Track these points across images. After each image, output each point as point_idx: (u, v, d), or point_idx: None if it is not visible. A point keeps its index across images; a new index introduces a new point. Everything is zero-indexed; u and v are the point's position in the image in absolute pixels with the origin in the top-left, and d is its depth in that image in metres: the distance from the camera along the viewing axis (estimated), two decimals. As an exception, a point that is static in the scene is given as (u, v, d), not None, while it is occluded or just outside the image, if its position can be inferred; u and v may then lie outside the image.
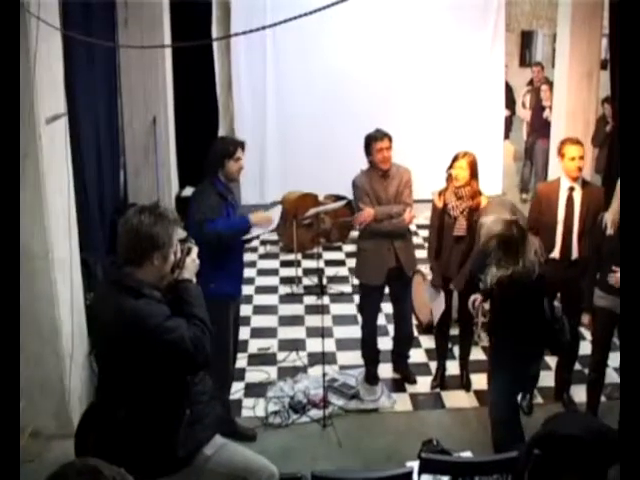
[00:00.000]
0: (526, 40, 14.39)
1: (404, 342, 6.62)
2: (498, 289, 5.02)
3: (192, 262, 3.54)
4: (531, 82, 12.28)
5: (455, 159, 6.00)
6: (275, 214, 5.77)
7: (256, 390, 6.33)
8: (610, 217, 5.35)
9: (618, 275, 5.18)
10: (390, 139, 6.06)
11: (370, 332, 6.46)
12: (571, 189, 5.83)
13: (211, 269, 4.98)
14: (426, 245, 9.08)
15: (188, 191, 8.95)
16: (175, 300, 3.43)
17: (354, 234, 8.55)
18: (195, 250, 3.58)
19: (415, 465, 4.01)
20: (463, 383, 6.47)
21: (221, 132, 9.90)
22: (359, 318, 6.86)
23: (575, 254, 5.85)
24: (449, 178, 6.05)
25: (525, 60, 14.48)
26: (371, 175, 6.16)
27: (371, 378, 6.44)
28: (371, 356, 6.50)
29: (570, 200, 5.83)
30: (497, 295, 5.11)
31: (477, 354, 6.79)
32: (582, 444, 3.55)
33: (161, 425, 3.44)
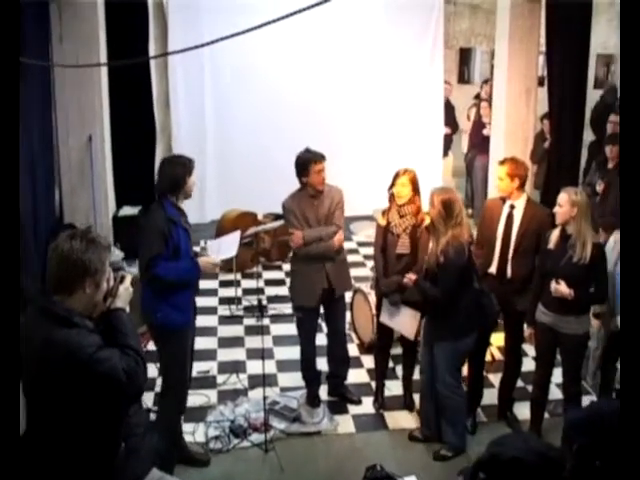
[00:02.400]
0: (465, 57, 14.48)
1: (338, 363, 6.54)
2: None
3: (125, 290, 3.41)
4: (477, 96, 12.27)
5: (396, 176, 5.97)
6: (233, 241, 5.81)
7: (196, 414, 6.14)
8: (553, 235, 5.38)
9: (559, 287, 5.21)
10: (325, 159, 6.00)
11: (308, 353, 6.36)
12: (511, 207, 5.83)
13: (155, 299, 5.09)
14: (367, 263, 9.12)
15: (125, 210, 8.78)
16: (107, 330, 3.30)
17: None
18: (129, 278, 3.46)
19: (358, 492, 3.94)
20: (406, 403, 6.43)
21: (158, 151, 9.71)
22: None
23: (509, 272, 5.86)
24: (391, 197, 6.02)
25: (464, 77, 14.56)
26: (300, 197, 6.09)
27: (313, 400, 6.35)
28: (311, 377, 6.41)
29: (510, 218, 5.83)
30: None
31: (420, 373, 6.75)
32: (524, 466, 3.54)
33: (94, 458, 3.29)
